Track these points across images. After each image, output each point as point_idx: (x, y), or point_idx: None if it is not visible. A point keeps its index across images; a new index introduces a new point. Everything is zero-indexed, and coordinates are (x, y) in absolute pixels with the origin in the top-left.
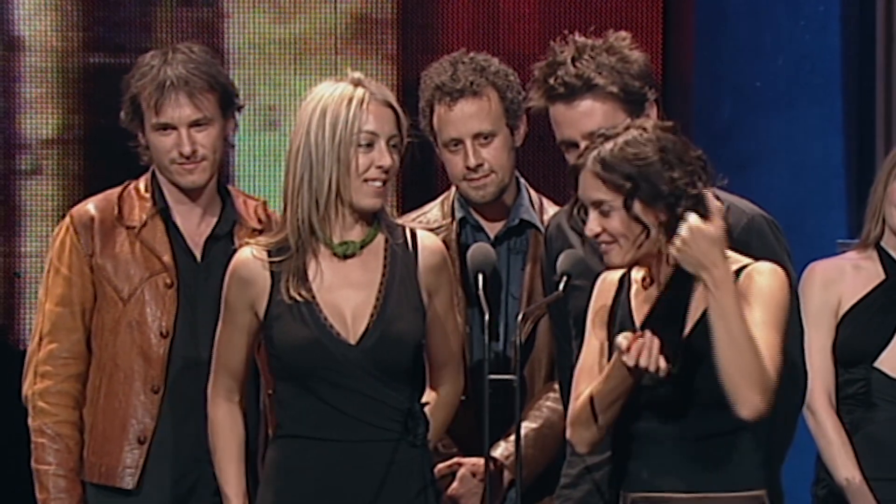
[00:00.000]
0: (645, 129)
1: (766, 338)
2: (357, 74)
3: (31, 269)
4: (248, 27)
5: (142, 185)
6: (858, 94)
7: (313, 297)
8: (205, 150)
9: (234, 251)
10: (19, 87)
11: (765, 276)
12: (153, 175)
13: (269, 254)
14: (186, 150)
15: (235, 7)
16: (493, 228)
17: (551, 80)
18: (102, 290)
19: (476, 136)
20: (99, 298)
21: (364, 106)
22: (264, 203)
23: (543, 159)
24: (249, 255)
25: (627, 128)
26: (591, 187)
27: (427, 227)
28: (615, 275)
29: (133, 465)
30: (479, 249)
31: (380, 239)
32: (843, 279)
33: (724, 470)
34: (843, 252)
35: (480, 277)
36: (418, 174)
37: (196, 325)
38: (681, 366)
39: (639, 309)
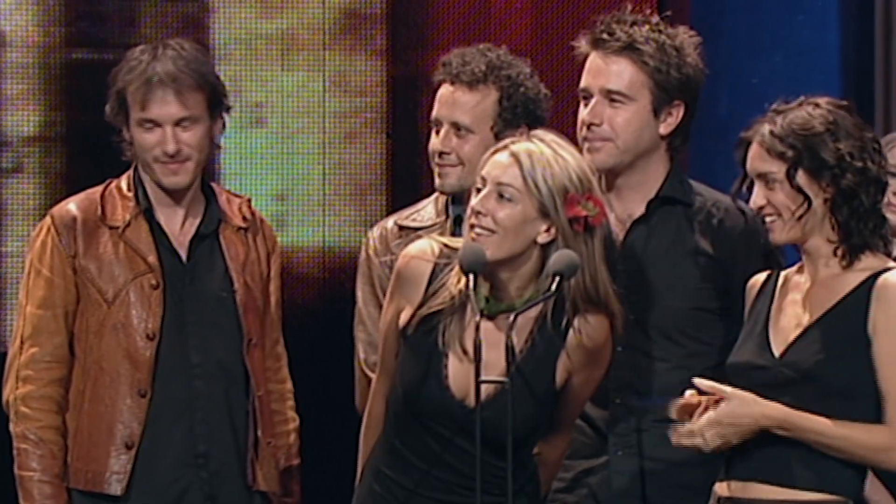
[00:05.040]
0: (817, 105)
1: None
2: (537, 131)
3: (12, 270)
4: (235, 22)
5: (123, 184)
6: (857, 90)
7: (446, 347)
8: (189, 150)
9: (221, 250)
10: (0, 83)
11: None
12: (135, 173)
13: (435, 270)
14: (171, 148)
15: (221, 1)
16: None
17: (601, 27)
18: (86, 291)
19: (454, 125)
20: (82, 300)
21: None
22: (248, 200)
23: None
24: (428, 257)
25: (801, 103)
26: (757, 158)
27: (421, 226)
28: (760, 276)
29: (120, 471)
30: (470, 249)
31: (539, 307)
32: None
33: (813, 469)
34: None
35: (472, 277)
36: (406, 173)
37: (184, 326)
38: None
39: (780, 309)
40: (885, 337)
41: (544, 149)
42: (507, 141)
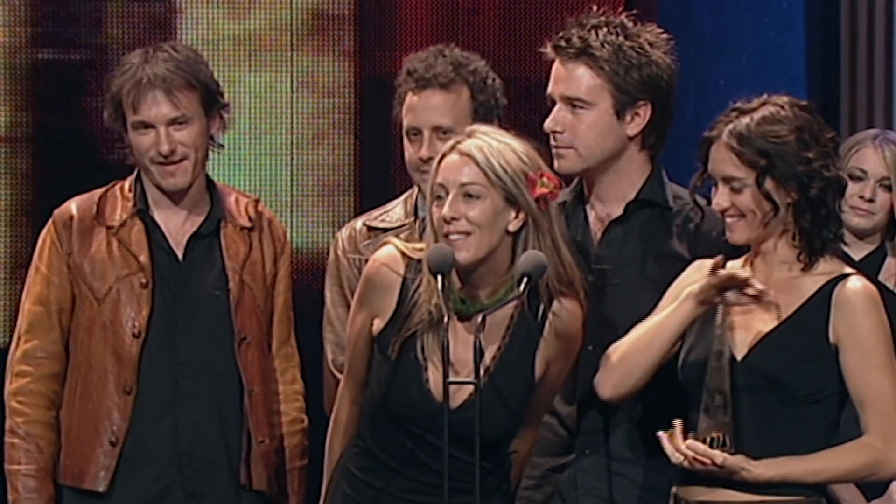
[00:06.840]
0: (781, 107)
1: (880, 385)
2: (472, 126)
3: None
4: (202, 23)
5: (126, 185)
6: (823, 91)
7: (426, 361)
8: (185, 149)
9: (220, 249)
10: None
11: (858, 308)
12: (138, 174)
13: (405, 283)
14: (164, 148)
15: (188, 2)
16: None
17: (560, 34)
18: (79, 289)
19: (435, 129)
20: (76, 298)
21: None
22: (256, 201)
23: None
24: (397, 266)
25: (763, 103)
26: (723, 161)
27: (390, 226)
28: (709, 262)
29: (105, 468)
30: (438, 250)
31: (512, 304)
32: None
33: None
34: None
35: (440, 278)
36: (374, 174)
37: (175, 325)
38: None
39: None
40: (851, 347)
41: (489, 140)
42: (450, 143)
